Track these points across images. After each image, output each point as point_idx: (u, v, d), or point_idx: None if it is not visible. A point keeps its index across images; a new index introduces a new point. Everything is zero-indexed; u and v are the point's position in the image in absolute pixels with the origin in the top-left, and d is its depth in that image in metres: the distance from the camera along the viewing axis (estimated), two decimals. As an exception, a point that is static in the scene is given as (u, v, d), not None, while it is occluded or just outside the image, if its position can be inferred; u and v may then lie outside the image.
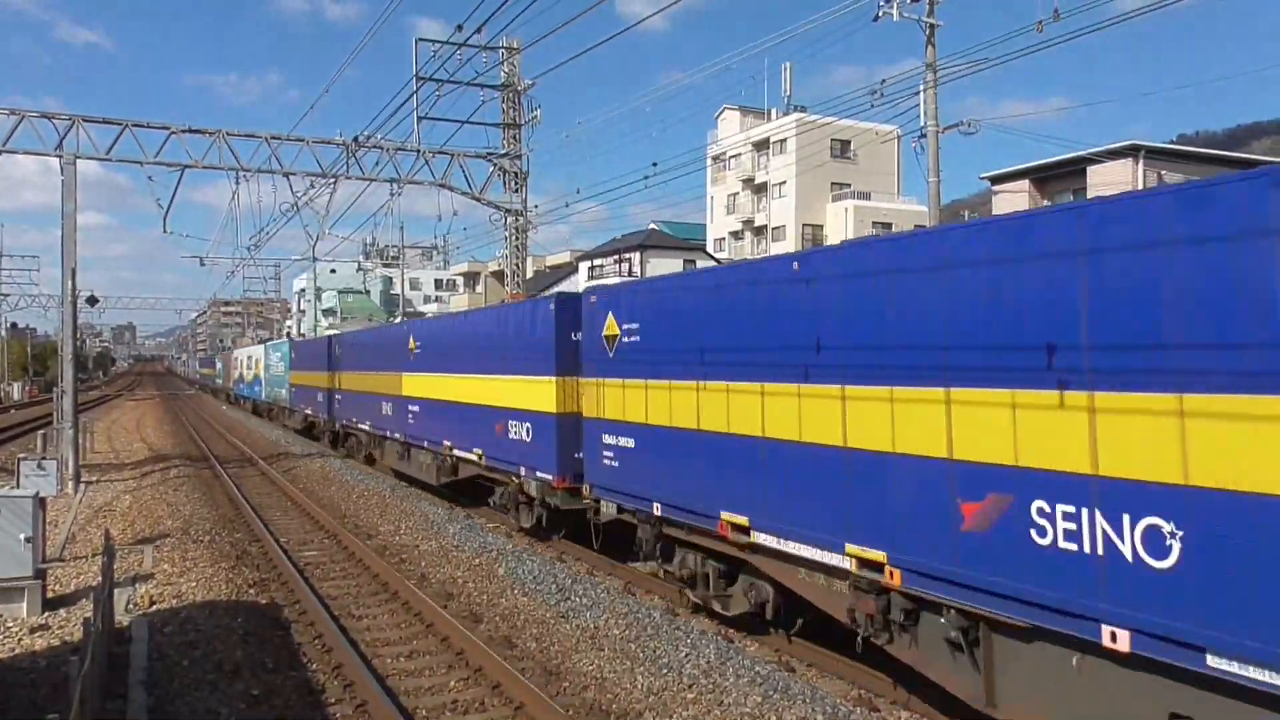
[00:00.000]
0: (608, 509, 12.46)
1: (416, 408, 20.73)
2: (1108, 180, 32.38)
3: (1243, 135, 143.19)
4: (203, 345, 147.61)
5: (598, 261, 60.02)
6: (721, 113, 70.10)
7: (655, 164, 25.52)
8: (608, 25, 23.31)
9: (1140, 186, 31.46)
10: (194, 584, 12.30)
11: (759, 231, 65.92)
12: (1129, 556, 5.77)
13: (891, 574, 7.52)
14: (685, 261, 55.78)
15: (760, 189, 66.02)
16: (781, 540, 8.84)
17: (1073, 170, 35.83)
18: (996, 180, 39.43)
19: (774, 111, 65.47)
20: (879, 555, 7.62)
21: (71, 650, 8.69)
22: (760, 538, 9.14)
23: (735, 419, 9.42)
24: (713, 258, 59.97)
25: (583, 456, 13.12)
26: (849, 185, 62.13)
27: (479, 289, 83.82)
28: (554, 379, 13.81)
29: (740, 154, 65.89)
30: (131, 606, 11.26)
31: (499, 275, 41.00)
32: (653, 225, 66.50)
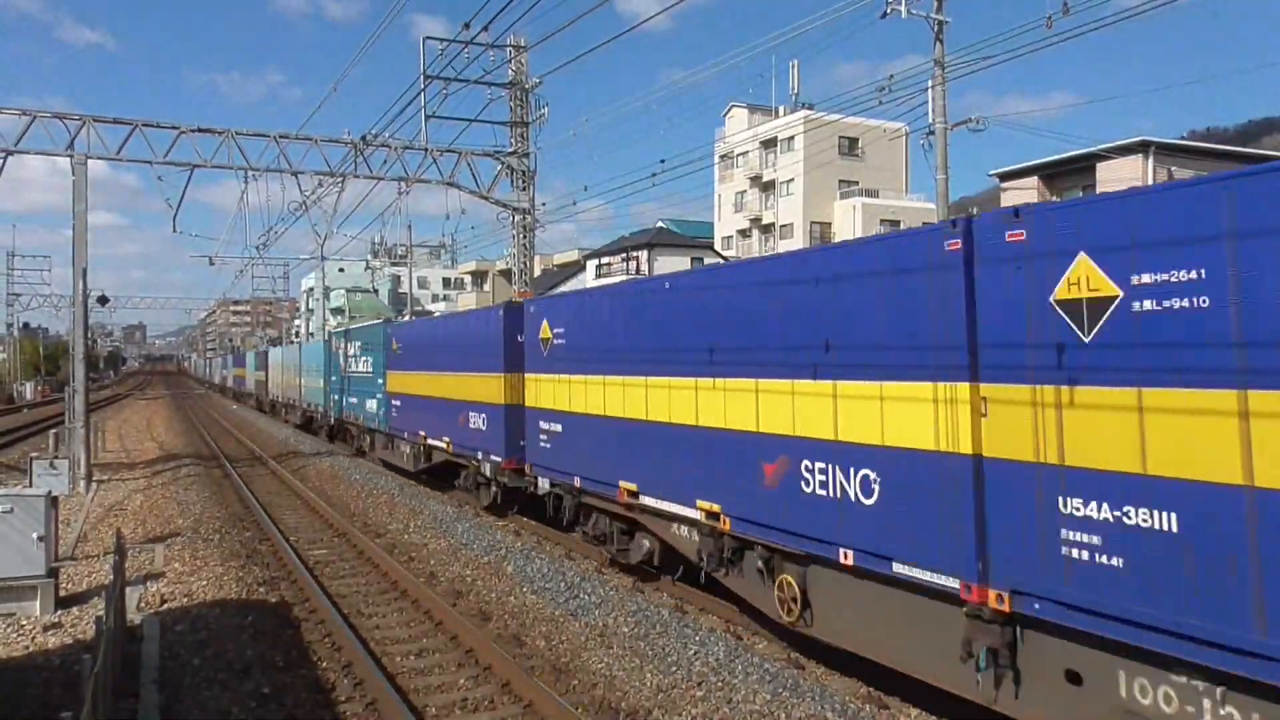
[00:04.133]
0: None
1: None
2: (1117, 177, 32.22)
3: (1254, 131, 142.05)
4: (211, 345, 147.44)
5: (605, 260, 60.02)
6: (729, 110, 70.01)
7: (663, 161, 25.56)
8: (613, 23, 23.37)
9: (1151, 183, 31.28)
10: (204, 582, 12.35)
11: (767, 229, 65.82)
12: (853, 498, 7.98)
13: (724, 520, 9.70)
14: (693, 260, 55.76)
15: (768, 187, 65.91)
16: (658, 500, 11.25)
17: (1082, 167, 35.71)
18: (1005, 177, 39.30)
19: (782, 109, 65.36)
20: (715, 507, 9.91)
21: (84, 648, 8.74)
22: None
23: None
24: (721, 256, 59.92)
25: None
26: (856, 183, 61.99)
27: (486, 287, 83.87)
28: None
29: (748, 152, 65.80)
30: (143, 605, 11.31)
31: (506, 274, 41.02)
32: (660, 223, 66.49)
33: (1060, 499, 6.23)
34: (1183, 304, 5.55)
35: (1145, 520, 5.75)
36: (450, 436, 18.61)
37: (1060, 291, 6.25)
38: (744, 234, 67.93)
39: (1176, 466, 5.56)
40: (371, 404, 25.00)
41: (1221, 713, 5.58)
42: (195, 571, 13.04)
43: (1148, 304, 5.74)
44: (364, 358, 26.19)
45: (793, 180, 62.73)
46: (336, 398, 29.94)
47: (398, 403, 22.39)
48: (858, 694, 8.57)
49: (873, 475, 7.72)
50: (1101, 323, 6.01)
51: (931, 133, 22.58)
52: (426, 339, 21.11)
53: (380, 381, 23.81)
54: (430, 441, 20.00)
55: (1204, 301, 5.44)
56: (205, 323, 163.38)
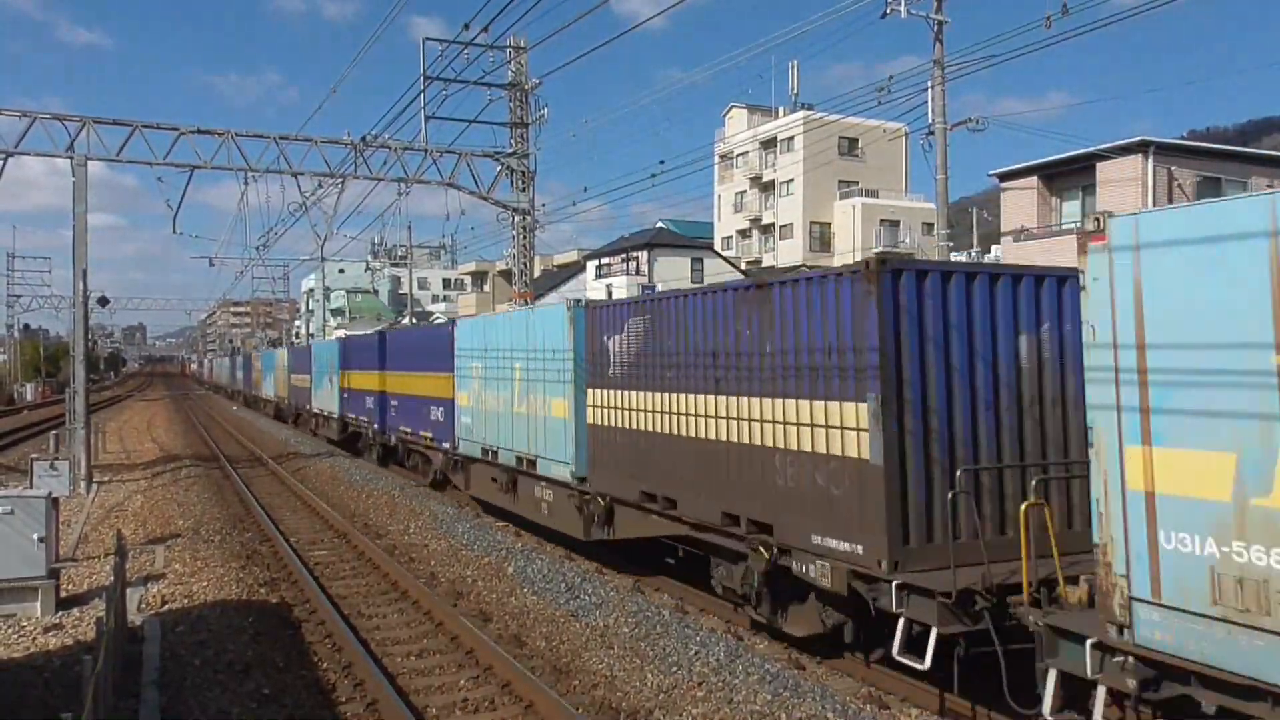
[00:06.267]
0: None
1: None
2: (1117, 177, 32.21)
3: (1254, 130, 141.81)
4: (211, 345, 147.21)
5: (605, 260, 60.00)
6: (729, 111, 69.99)
7: (663, 162, 25.60)
8: (612, 24, 23.37)
9: (1150, 183, 31.29)
10: (205, 583, 12.35)
11: (767, 230, 65.81)
12: None
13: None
14: (693, 260, 55.78)
15: (768, 187, 65.87)
16: None
17: (1082, 167, 35.64)
18: (1005, 177, 39.24)
19: (781, 109, 65.33)
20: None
21: (85, 649, 8.74)
22: None
23: None
24: (721, 256, 59.90)
25: None
26: (856, 183, 61.96)
27: (486, 288, 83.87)
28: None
29: (748, 152, 65.78)
30: (144, 606, 11.32)
31: (506, 274, 41.12)
32: (660, 224, 66.45)
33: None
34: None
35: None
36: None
37: None
38: (744, 234, 67.91)
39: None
40: None
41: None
42: (196, 573, 13.04)
43: None
44: None
45: (792, 180, 62.67)
46: None
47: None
48: (858, 694, 8.57)
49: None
50: None
51: (931, 133, 22.59)
52: None
53: None
54: None
55: None
56: (206, 323, 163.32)
